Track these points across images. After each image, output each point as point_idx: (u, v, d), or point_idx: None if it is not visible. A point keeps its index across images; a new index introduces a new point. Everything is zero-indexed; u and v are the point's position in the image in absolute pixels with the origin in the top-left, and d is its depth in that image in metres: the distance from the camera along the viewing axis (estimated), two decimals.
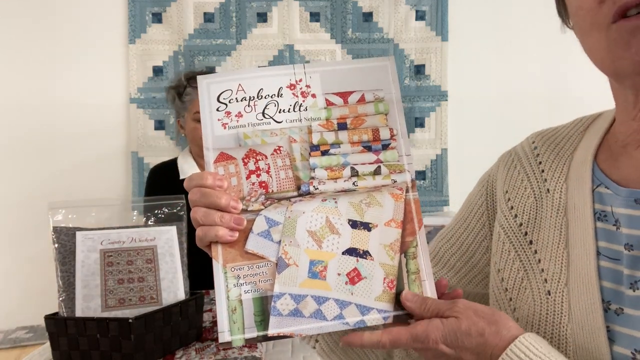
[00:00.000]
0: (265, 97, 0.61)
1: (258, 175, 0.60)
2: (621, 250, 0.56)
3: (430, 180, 2.46)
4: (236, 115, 0.61)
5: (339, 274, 0.57)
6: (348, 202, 0.59)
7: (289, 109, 0.61)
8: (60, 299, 1.09)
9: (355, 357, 0.71)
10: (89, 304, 1.08)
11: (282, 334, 0.56)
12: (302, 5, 2.41)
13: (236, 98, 0.61)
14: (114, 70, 2.37)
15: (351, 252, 0.58)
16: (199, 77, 0.62)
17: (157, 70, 2.38)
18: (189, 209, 1.33)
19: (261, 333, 0.56)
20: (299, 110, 0.61)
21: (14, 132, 2.33)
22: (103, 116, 2.36)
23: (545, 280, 0.61)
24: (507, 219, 0.67)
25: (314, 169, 0.60)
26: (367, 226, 0.58)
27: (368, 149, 0.61)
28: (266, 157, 0.60)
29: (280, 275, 0.57)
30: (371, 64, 0.62)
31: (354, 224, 0.58)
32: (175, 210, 1.26)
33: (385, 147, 0.61)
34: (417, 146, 2.45)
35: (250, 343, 0.57)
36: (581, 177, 0.61)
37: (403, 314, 0.57)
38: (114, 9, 2.36)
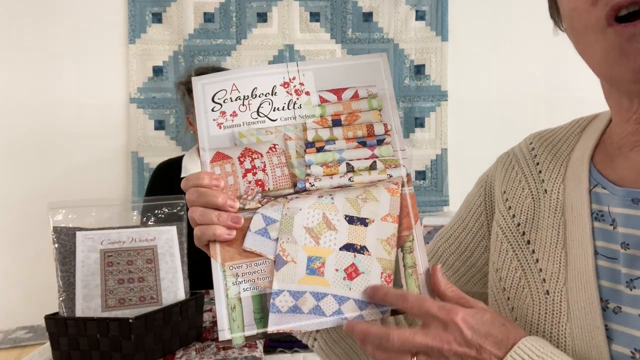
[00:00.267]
0: (259, 96, 0.61)
1: (254, 174, 0.60)
2: (618, 249, 0.56)
3: (430, 180, 2.46)
4: (231, 115, 0.61)
5: (336, 270, 0.57)
6: (344, 197, 0.59)
7: (283, 107, 0.61)
8: (61, 299, 1.09)
9: (353, 355, 0.71)
10: (89, 304, 1.08)
11: (281, 331, 0.56)
12: (302, 5, 2.41)
13: (230, 98, 0.61)
14: (114, 70, 2.37)
15: (348, 247, 0.58)
16: (193, 79, 0.63)
17: (157, 70, 2.38)
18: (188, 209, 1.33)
19: (261, 330, 0.56)
20: (293, 108, 0.61)
21: (14, 132, 2.33)
22: (103, 116, 2.36)
23: (544, 280, 0.61)
24: (505, 218, 0.67)
25: (309, 166, 0.60)
26: (363, 221, 0.59)
27: (363, 144, 0.61)
28: (262, 156, 0.60)
29: (278, 273, 0.57)
30: (364, 61, 0.63)
31: (350, 220, 0.59)
32: (175, 210, 1.26)
33: (380, 142, 0.61)
34: (417, 146, 2.45)
35: (250, 340, 0.57)
36: (578, 177, 0.62)
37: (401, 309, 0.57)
38: (114, 9, 2.36)
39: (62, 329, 1.05)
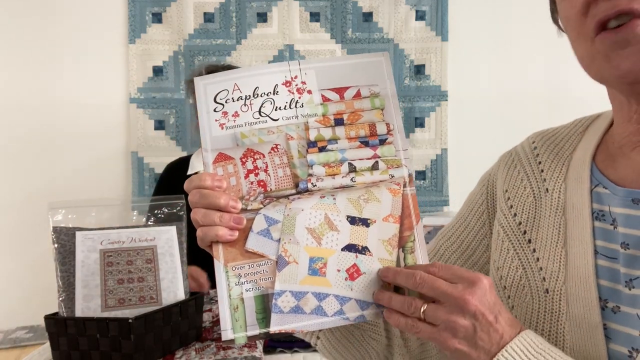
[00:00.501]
0: (261, 96, 0.61)
1: (256, 174, 0.60)
2: (618, 249, 0.56)
3: (430, 180, 2.46)
4: (233, 115, 0.61)
5: (338, 270, 0.58)
6: (346, 198, 0.59)
7: (285, 106, 0.61)
8: (60, 299, 1.09)
9: (355, 353, 0.72)
10: (88, 304, 1.08)
11: (283, 331, 0.57)
12: (302, 5, 2.41)
13: (232, 98, 0.61)
14: (114, 70, 2.37)
15: (350, 248, 0.58)
16: (195, 79, 0.62)
17: (157, 70, 2.38)
18: (189, 210, 1.33)
19: (263, 330, 0.56)
20: (295, 107, 0.61)
21: (14, 132, 2.33)
22: (103, 116, 2.36)
23: (544, 278, 0.62)
24: (506, 217, 0.67)
25: (311, 166, 0.60)
26: (365, 222, 0.59)
27: (365, 144, 0.61)
28: (264, 156, 0.60)
29: (280, 273, 0.57)
30: (366, 60, 0.62)
31: (352, 220, 0.59)
32: (175, 210, 1.26)
33: (382, 142, 0.61)
34: (417, 146, 2.45)
35: (253, 340, 0.57)
36: (580, 177, 0.62)
37: None
38: (114, 9, 2.36)
39: (62, 329, 1.05)
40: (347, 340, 0.70)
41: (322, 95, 0.61)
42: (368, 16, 2.43)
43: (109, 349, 1.04)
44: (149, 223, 1.24)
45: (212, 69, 1.93)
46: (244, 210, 0.59)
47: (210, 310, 1.37)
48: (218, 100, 0.61)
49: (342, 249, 0.58)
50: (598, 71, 0.55)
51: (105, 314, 1.07)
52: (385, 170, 0.60)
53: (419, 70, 2.44)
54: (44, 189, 2.28)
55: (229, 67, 1.92)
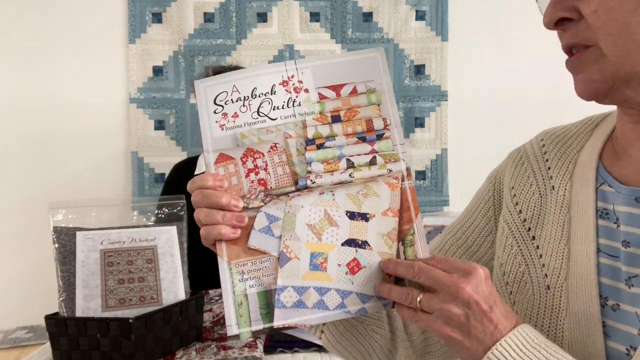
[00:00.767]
0: (259, 96, 0.62)
1: (257, 173, 0.61)
2: (619, 247, 0.57)
3: (430, 180, 2.46)
4: (232, 116, 0.62)
5: (339, 265, 0.59)
6: (345, 194, 0.60)
7: (283, 105, 0.62)
8: (61, 299, 1.09)
9: (359, 347, 0.72)
10: (89, 304, 1.08)
11: (287, 325, 0.58)
12: (302, 5, 2.41)
13: (231, 99, 0.62)
14: (114, 70, 2.37)
15: (350, 243, 0.59)
16: (195, 82, 0.64)
17: (157, 70, 2.38)
18: (190, 210, 1.33)
19: (267, 325, 0.58)
20: (293, 106, 0.62)
21: (14, 132, 2.33)
22: (103, 116, 2.36)
23: (546, 275, 0.62)
24: (511, 214, 0.68)
25: (310, 163, 0.61)
26: (364, 217, 0.60)
27: (363, 139, 0.61)
28: (263, 155, 0.61)
29: (282, 269, 0.59)
30: (361, 56, 0.63)
31: (351, 215, 0.60)
32: (175, 210, 1.26)
33: (380, 137, 0.61)
34: (417, 146, 2.45)
35: (257, 335, 0.59)
36: (586, 175, 0.63)
37: None
38: (114, 9, 2.36)
39: (62, 329, 1.05)
40: (350, 334, 0.71)
41: (319, 93, 0.62)
42: (368, 16, 2.43)
43: (109, 349, 1.04)
44: (149, 223, 1.25)
45: (219, 70, 1.94)
46: (245, 208, 0.60)
47: (210, 310, 1.37)
48: (218, 102, 0.63)
49: (342, 244, 0.59)
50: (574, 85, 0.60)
51: (106, 314, 1.07)
52: (383, 165, 0.61)
53: (419, 70, 2.44)
54: (44, 189, 2.28)
55: (237, 68, 1.92)
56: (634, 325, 0.54)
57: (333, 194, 0.60)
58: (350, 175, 0.60)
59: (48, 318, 1.07)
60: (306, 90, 0.62)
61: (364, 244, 0.59)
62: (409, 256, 0.59)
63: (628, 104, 0.57)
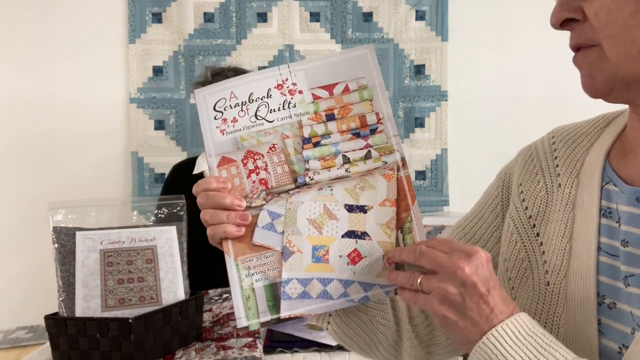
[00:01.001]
0: (256, 100, 0.65)
1: (257, 174, 0.64)
2: (619, 246, 0.57)
3: (430, 180, 2.46)
4: (232, 121, 0.65)
5: (340, 256, 0.61)
6: (343, 188, 0.62)
7: (279, 107, 0.64)
8: (60, 299, 1.09)
9: (365, 337, 0.74)
10: (89, 304, 1.08)
11: (293, 315, 0.61)
12: (302, 5, 2.41)
13: (230, 105, 0.65)
14: (114, 70, 2.37)
15: (350, 234, 0.62)
16: (195, 91, 0.67)
17: (157, 70, 2.38)
18: (189, 210, 1.33)
19: (274, 316, 0.61)
20: (288, 107, 0.64)
21: (14, 132, 2.33)
22: (103, 116, 2.36)
23: (547, 271, 0.63)
24: (518, 210, 0.69)
25: (307, 161, 0.63)
26: (362, 209, 0.62)
27: (357, 135, 0.63)
28: (263, 156, 0.64)
29: (286, 263, 0.62)
30: (352, 54, 0.65)
31: (350, 208, 0.62)
32: (175, 210, 1.26)
33: (373, 131, 0.63)
34: (417, 146, 2.45)
35: (265, 326, 0.63)
36: (592, 173, 0.63)
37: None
38: (114, 9, 2.36)
39: (62, 329, 1.05)
40: (355, 324, 0.73)
41: (313, 94, 0.64)
42: (368, 16, 2.43)
43: (109, 349, 1.04)
44: (149, 223, 1.25)
45: (218, 71, 1.94)
46: (248, 207, 0.63)
47: (210, 310, 1.37)
48: (217, 108, 0.66)
49: (342, 236, 0.62)
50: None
51: (106, 314, 1.07)
52: (378, 157, 0.63)
53: (419, 70, 2.44)
54: (44, 189, 2.28)
55: (235, 69, 1.92)
56: (629, 324, 0.55)
57: (331, 189, 0.62)
58: (346, 170, 0.62)
59: (48, 318, 1.07)
60: (300, 92, 0.64)
61: (363, 235, 0.61)
62: (407, 243, 0.61)
63: (633, 103, 0.57)
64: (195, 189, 0.64)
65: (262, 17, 2.41)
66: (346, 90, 0.63)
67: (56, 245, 1.12)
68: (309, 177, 0.63)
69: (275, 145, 0.64)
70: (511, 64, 2.43)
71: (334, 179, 0.62)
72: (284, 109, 0.64)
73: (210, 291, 1.49)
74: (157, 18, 2.37)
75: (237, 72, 1.90)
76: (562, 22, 0.56)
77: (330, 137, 0.63)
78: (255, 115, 0.65)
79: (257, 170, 0.64)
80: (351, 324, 0.73)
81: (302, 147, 0.63)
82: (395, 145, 0.62)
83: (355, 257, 0.61)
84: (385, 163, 0.62)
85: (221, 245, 0.63)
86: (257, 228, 0.63)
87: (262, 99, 0.65)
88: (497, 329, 0.52)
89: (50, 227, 1.14)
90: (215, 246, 0.64)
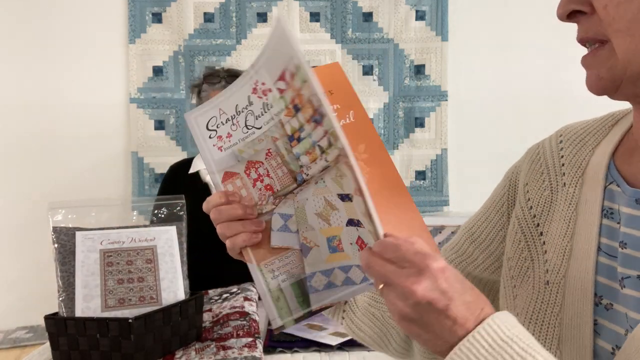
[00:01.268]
0: (242, 111, 0.65)
1: (262, 181, 0.65)
2: (617, 247, 0.57)
3: (430, 180, 2.46)
4: (227, 137, 0.66)
5: (350, 244, 0.62)
6: (330, 178, 0.61)
7: (261, 112, 0.64)
8: (60, 299, 1.09)
9: (377, 331, 0.75)
10: (88, 304, 1.08)
11: (324, 306, 0.63)
12: (302, 5, 2.41)
13: (222, 122, 0.66)
14: (114, 70, 2.37)
15: (350, 222, 0.62)
16: (185, 115, 0.68)
17: (157, 70, 2.38)
18: (189, 210, 1.33)
19: (306, 310, 0.63)
20: (268, 109, 0.63)
21: (14, 132, 2.33)
22: (103, 116, 2.36)
23: (547, 270, 0.63)
24: (522, 210, 0.69)
25: (299, 158, 0.63)
26: (349, 197, 0.61)
27: (316, 122, 0.59)
28: (262, 163, 0.65)
29: (307, 258, 0.63)
30: (275, 34, 0.58)
31: (342, 197, 0.62)
32: (175, 210, 1.26)
33: (322, 115, 0.57)
34: (417, 146, 2.45)
35: (299, 321, 0.64)
36: (596, 173, 0.62)
37: None
38: (114, 9, 2.36)
39: (62, 329, 1.05)
40: (368, 319, 0.75)
41: (277, 89, 0.61)
42: (368, 16, 2.43)
43: (109, 349, 1.04)
44: (149, 223, 1.24)
45: (211, 72, 1.95)
46: (260, 214, 0.65)
47: (210, 310, 1.37)
48: (210, 127, 0.67)
49: (346, 225, 0.62)
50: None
51: (105, 314, 1.07)
52: (335, 144, 0.58)
53: (419, 70, 2.44)
54: (44, 189, 2.28)
55: (229, 71, 1.92)
56: (623, 325, 0.55)
57: (324, 181, 0.62)
58: (326, 160, 0.60)
59: (48, 318, 1.07)
60: (270, 90, 0.62)
61: (358, 223, 0.61)
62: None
63: (639, 100, 0.56)
64: (205, 206, 0.66)
65: (262, 17, 2.41)
66: (291, 75, 0.58)
67: (56, 245, 1.12)
68: (305, 174, 0.63)
69: (270, 150, 0.64)
70: (511, 64, 2.43)
71: (322, 171, 0.61)
72: (265, 112, 0.63)
73: (210, 291, 1.49)
74: (157, 18, 2.37)
75: (231, 73, 1.90)
76: (568, 14, 0.55)
77: (304, 129, 0.60)
78: (246, 126, 0.65)
79: (261, 178, 0.65)
80: (364, 319, 0.74)
81: (291, 145, 0.63)
82: (337, 130, 0.56)
83: (361, 244, 0.61)
84: (341, 149, 0.57)
85: (241, 255, 0.66)
86: (273, 232, 0.65)
87: (246, 108, 0.64)
88: (464, 343, 0.47)
89: (50, 227, 1.14)
90: (236, 258, 0.67)
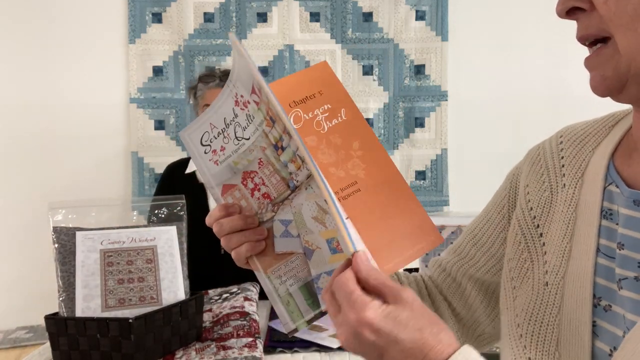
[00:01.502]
0: (230, 123, 0.67)
1: (259, 190, 0.67)
2: (615, 248, 0.57)
3: (430, 180, 2.46)
4: (220, 150, 0.68)
5: None
6: (315, 184, 0.62)
7: (247, 124, 0.65)
8: (60, 299, 1.09)
9: None
10: (89, 304, 1.08)
11: None
12: (302, 5, 2.41)
13: (214, 136, 0.68)
14: (114, 70, 2.37)
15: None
16: (180, 134, 0.70)
17: (157, 70, 2.38)
18: (190, 210, 1.33)
19: (317, 311, 0.64)
20: (251, 120, 0.64)
21: (14, 132, 2.33)
22: (103, 116, 2.36)
23: (546, 271, 0.63)
24: (523, 211, 0.69)
25: (286, 165, 0.64)
26: (333, 199, 0.61)
27: (288, 134, 0.60)
28: (257, 173, 0.66)
29: (311, 261, 0.65)
30: (234, 49, 0.60)
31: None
32: (175, 210, 1.26)
33: (288, 132, 0.59)
34: (417, 146, 2.45)
35: (311, 322, 0.65)
36: (596, 173, 0.62)
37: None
38: (114, 9, 2.36)
39: (62, 329, 1.05)
40: None
41: (254, 101, 0.63)
42: (368, 16, 2.43)
43: (109, 349, 1.04)
44: (149, 223, 1.24)
45: (207, 73, 1.95)
46: (261, 223, 0.67)
47: (210, 310, 1.37)
48: (204, 143, 0.69)
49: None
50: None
51: (106, 314, 1.07)
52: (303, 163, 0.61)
53: (419, 70, 2.44)
54: (44, 189, 2.28)
55: (225, 72, 1.92)
56: (621, 327, 0.55)
57: (311, 187, 0.63)
58: (306, 168, 0.62)
59: (48, 318, 1.07)
60: (248, 102, 0.63)
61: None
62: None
63: None
64: (208, 220, 0.68)
65: (262, 17, 2.41)
66: (259, 90, 0.59)
67: (56, 245, 1.12)
68: (295, 180, 0.64)
69: (262, 159, 0.65)
70: (511, 64, 2.43)
71: (308, 178, 0.63)
72: (250, 123, 0.64)
73: (210, 291, 1.49)
74: (157, 18, 2.37)
75: (226, 72, 1.90)
76: (567, 11, 0.55)
77: (283, 139, 0.62)
78: (236, 137, 0.66)
79: (258, 187, 0.67)
80: None
81: (277, 153, 0.64)
82: (299, 140, 0.57)
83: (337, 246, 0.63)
84: (302, 159, 0.59)
85: (248, 265, 0.67)
86: (276, 238, 0.66)
87: (233, 120, 0.66)
88: None
89: (50, 227, 1.14)
90: (244, 267, 0.68)
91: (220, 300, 1.42)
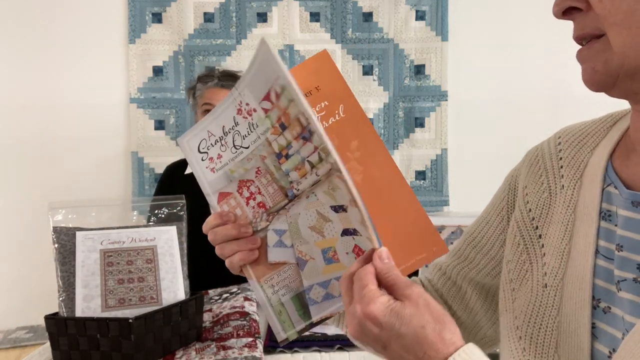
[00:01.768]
0: (229, 132, 0.67)
1: (254, 199, 0.67)
2: (614, 250, 0.57)
3: (430, 180, 2.46)
4: (217, 158, 0.68)
5: (347, 253, 0.63)
6: (322, 192, 0.62)
7: (248, 132, 0.65)
8: (60, 299, 1.09)
9: None
10: (89, 304, 1.08)
11: (324, 317, 0.65)
12: (302, 5, 2.41)
13: (211, 143, 0.68)
14: (114, 70, 2.37)
15: (346, 232, 0.63)
16: (178, 140, 0.71)
17: (157, 70, 2.38)
18: (189, 210, 1.33)
19: (307, 322, 0.65)
20: (254, 129, 0.64)
21: (14, 132, 2.33)
22: (103, 116, 2.36)
23: (545, 273, 0.63)
24: (521, 213, 0.69)
25: (288, 174, 0.64)
26: (343, 208, 0.62)
27: (305, 139, 0.61)
28: (253, 182, 0.66)
29: (304, 272, 0.65)
30: (259, 54, 0.60)
31: (335, 209, 0.63)
32: (175, 210, 1.26)
33: (311, 132, 0.59)
34: (417, 146, 2.45)
35: (302, 333, 0.66)
36: (594, 174, 0.62)
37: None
38: (114, 9, 2.36)
39: (62, 329, 1.05)
40: None
41: (262, 108, 0.63)
42: (368, 16, 2.43)
43: (109, 349, 1.04)
44: (149, 223, 1.24)
45: (206, 73, 1.95)
46: (255, 232, 0.67)
47: (210, 310, 1.37)
48: (201, 150, 0.69)
49: (341, 235, 0.63)
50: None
51: (106, 314, 1.07)
52: (325, 159, 0.60)
53: (419, 70, 2.44)
54: (44, 189, 2.28)
55: (224, 72, 1.92)
56: (620, 328, 0.54)
57: (315, 195, 0.63)
58: (316, 174, 0.62)
59: (48, 318, 1.07)
60: (254, 110, 0.63)
61: (355, 232, 0.62)
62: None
63: (637, 97, 0.55)
64: (204, 228, 0.68)
65: (262, 17, 2.41)
66: (277, 96, 0.60)
67: (56, 245, 1.12)
68: (295, 189, 0.64)
69: (260, 168, 0.65)
70: (511, 64, 2.43)
71: (312, 185, 0.63)
72: (251, 131, 0.64)
73: (210, 291, 1.49)
74: (157, 18, 2.37)
75: (225, 73, 1.90)
76: (564, 11, 0.55)
77: (292, 146, 0.62)
78: (234, 146, 0.66)
79: (253, 196, 0.67)
80: None
81: (279, 162, 0.64)
82: (329, 145, 0.57)
83: (358, 252, 0.62)
84: (332, 163, 0.59)
85: (242, 273, 0.68)
86: (269, 248, 0.66)
87: (233, 129, 0.66)
88: None
89: (50, 227, 1.14)
90: (238, 274, 0.69)
91: (220, 300, 1.42)
